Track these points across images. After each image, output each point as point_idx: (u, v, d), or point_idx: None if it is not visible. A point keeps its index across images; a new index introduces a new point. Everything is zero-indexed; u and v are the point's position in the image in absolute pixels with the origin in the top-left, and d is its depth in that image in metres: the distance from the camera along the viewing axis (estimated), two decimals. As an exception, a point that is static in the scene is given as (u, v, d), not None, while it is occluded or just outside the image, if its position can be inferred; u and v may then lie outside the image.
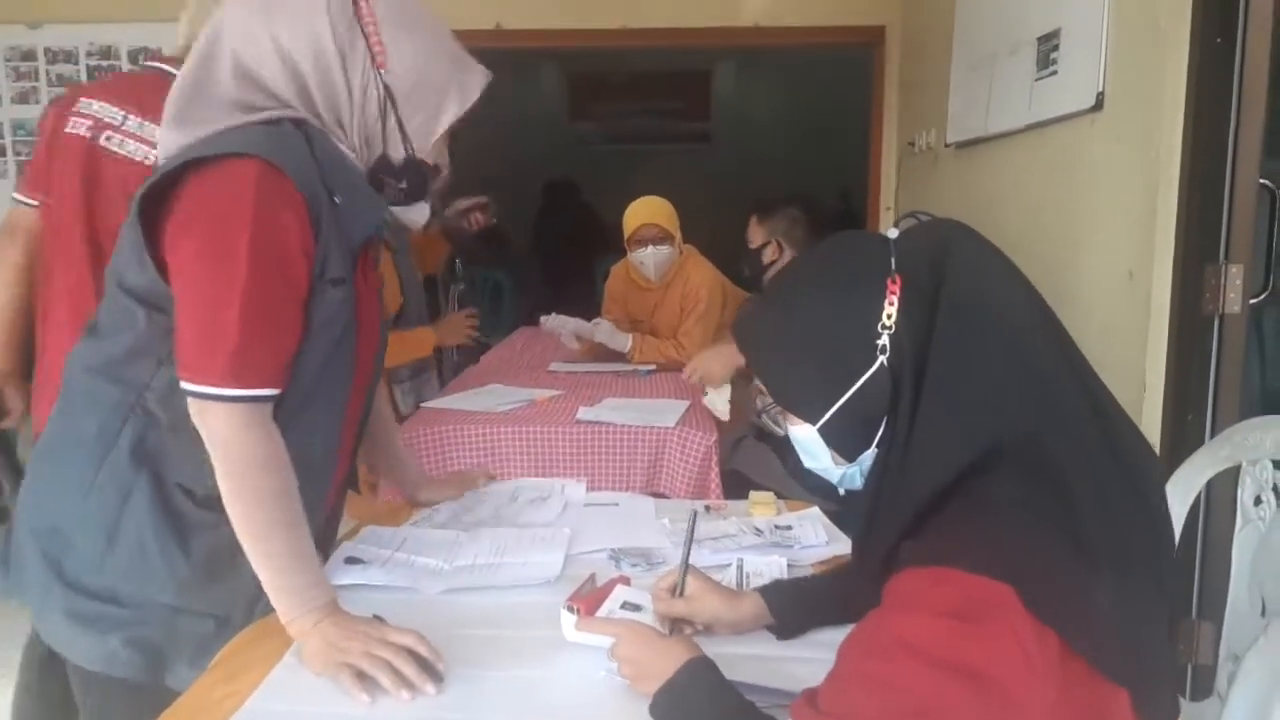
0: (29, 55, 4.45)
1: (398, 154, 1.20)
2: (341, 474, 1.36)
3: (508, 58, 6.20)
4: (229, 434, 1.09)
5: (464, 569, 1.38)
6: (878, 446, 0.92)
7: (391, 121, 1.17)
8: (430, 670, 1.07)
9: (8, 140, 4.51)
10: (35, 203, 1.98)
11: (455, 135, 1.26)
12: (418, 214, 1.28)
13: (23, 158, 4.52)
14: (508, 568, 1.38)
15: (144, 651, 1.18)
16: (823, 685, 0.83)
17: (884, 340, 0.88)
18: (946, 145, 3.62)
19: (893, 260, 0.89)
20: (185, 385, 1.09)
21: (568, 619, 1.15)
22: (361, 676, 1.05)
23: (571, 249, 7.57)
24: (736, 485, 2.31)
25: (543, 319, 3.34)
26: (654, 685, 0.97)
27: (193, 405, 1.10)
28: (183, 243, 1.09)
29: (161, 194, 1.11)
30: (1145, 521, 0.88)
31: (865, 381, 0.89)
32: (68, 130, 1.90)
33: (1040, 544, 0.80)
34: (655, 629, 1.08)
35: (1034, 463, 0.83)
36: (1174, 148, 2.06)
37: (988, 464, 0.83)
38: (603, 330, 3.21)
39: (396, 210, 1.25)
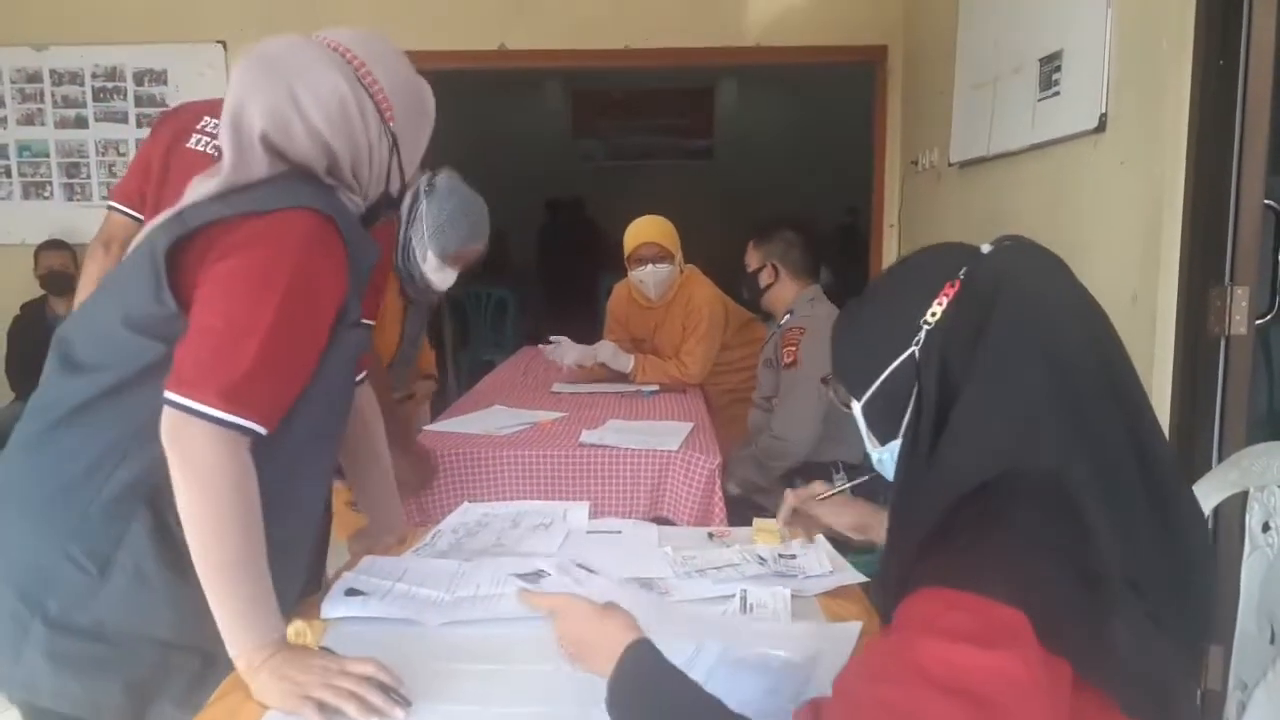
0: (34, 77, 4.47)
1: (395, 189, 1.31)
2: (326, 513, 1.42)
3: (511, 75, 6.24)
4: (211, 458, 1.08)
5: (465, 600, 1.37)
6: (902, 437, 0.95)
7: (394, 163, 1.28)
8: (395, 696, 1.06)
9: (13, 161, 4.53)
10: (140, 216, 1.91)
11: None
12: (446, 279, 1.37)
13: (29, 179, 4.54)
14: (509, 599, 1.36)
15: (130, 693, 1.17)
16: (831, 703, 0.83)
17: (921, 335, 0.92)
18: (950, 164, 3.62)
19: (964, 269, 0.92)
20: (174, 397, 1.08)
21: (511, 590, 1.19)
22: (323, 708, 1.04)
23: (575, 266, 7.58)
24: (739, 510, 2.30)
25: (543, 347, 3.33)
26: (596, 665, 0.99)
27: (174, 419, 1.08)
28: (223, 264, 1.12)
29: (201, 239, 1.14)
30: (1177, 560, 0.87)
31: (895, 369, 0.94)
32: (190, 146, 1.86)
33: (1054, 573, 0.80)
34: (592, 604, 1.06)
35: (1057, 493, 0.83)
36: (1177, 169, 2.05)
37: (1010, 488, 0.84)
38: (605, 352, 3.21)
39: (430, 274, 1.41)
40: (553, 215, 8.57)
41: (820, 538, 1.61)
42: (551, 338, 3.31)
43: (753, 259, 2.93)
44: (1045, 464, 0.84)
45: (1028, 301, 0.89)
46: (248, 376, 1.08)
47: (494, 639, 1.27)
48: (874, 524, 1.43)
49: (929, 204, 4.09)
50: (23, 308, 4.33)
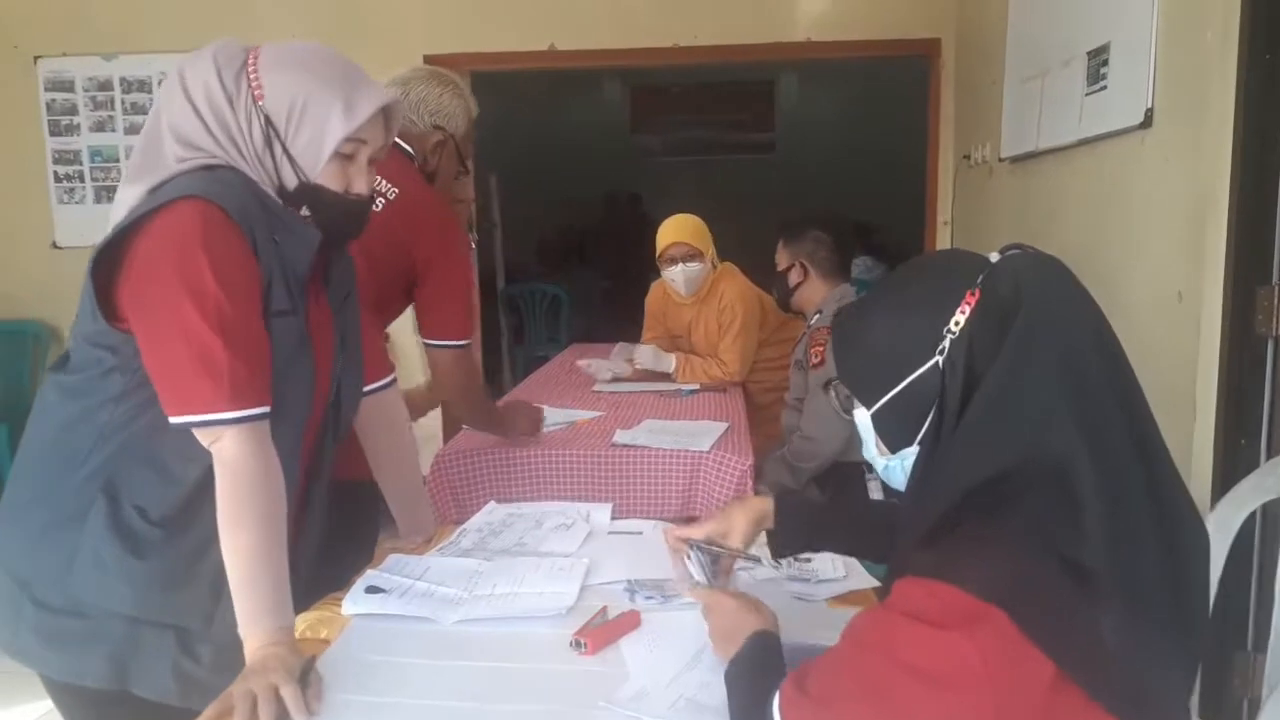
0: (105, 85, 4.64)
1: (291, 180, 1.28)
2: (300, 493, 1.40)
3: (568, 73, 6.28)
4: (238, 455, 1.17)
5: (482, 598, 1.40)
6: (919, 444, 0.97)
7: (278, 148, 1.26)
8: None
9: (86, 167, 4.72)
10: None
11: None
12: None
13: (100, 184, 4.73)
14: (523, 598, 1.39)
15: (109, 661, 1.25)
16: (816, 665, 0.94)
17: (946, 344, 0.92)
18: (1001, 159, 3.55)
19: (980, 278, 0.93)
20: (188, 419, 1.16)
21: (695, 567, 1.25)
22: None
23: (631, 262, 7.59)
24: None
25: (579, 362, 3.38)
26: (730, 651, 1.09)
27: (201, 435, 1.18)
28: (147, 289, 1.18)
29: (115, 253, 1.19)
30: (1173, 564, 0.88)
31: (917, 378, 0.94)
32: None
33: (1043, 571, 0.83)
34: (738, 598, 1.17)
35: (1060, 491, 0.85)
36: (1223, 165, 1.99)
37: (1014, 486, 0.86)
38: (645, 355, 3.22)
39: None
40: (609, 211, 8.58)
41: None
42: (579, 362, 3.37)
43: (781, 258, 2.92)
44: (1052, 460, 0.86)
45: (1048, 309, 0.90)
46: (231, 371, 1.15)
47: (507, 638, 1.30)
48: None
49: (981, 199, 4.02)
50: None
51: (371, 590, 1.42)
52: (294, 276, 1.28)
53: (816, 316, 2.83)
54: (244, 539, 1.17)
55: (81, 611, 1.25)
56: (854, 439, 2.64)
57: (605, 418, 2.68)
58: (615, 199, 8.48)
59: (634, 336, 3.72)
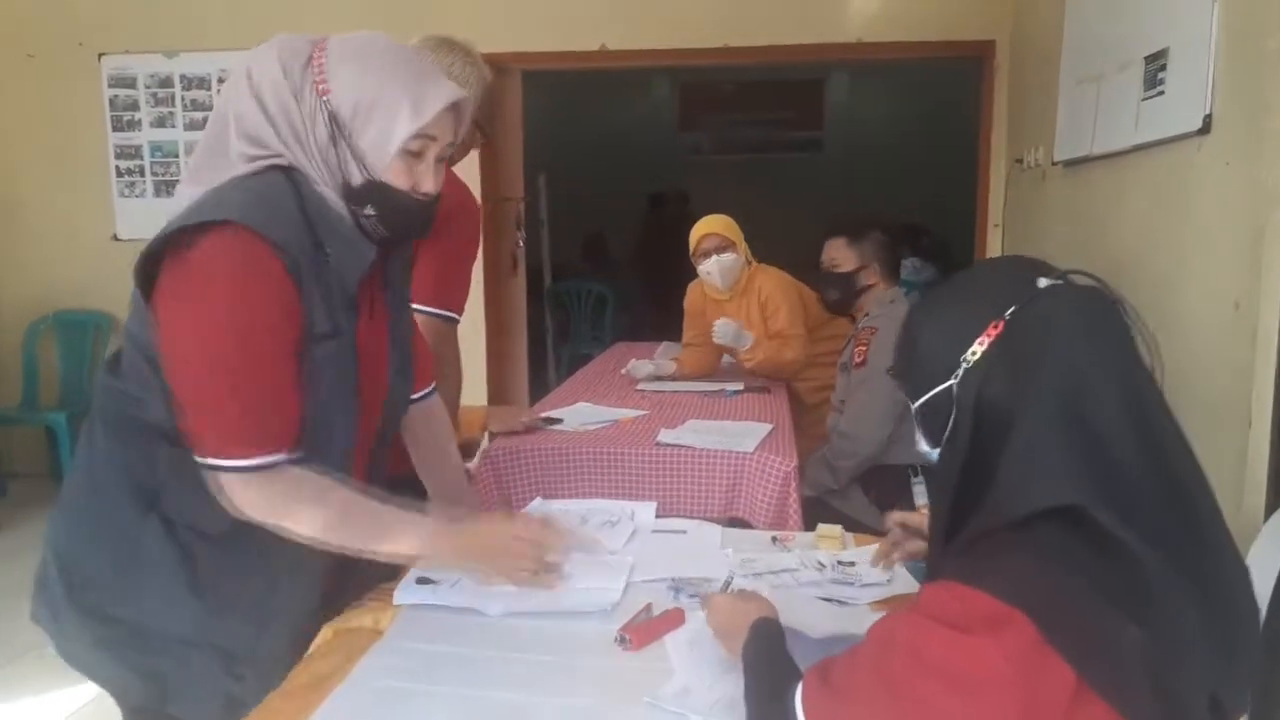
0: (166, 82, 4.77)
1: (356, 178, 1.21)
2: None
3: (616, 71, 6.30)
4: (250, 500, 1.16)
5: (528, 592, 1.42)
6: (940, 449, 1.02)
7: (343, 145, 1.20)
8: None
9: (147, 161, 4.85)
10: None
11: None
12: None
13: (160, 178, 4.85)
14: (569, 593, 1.41)
15: (152, 680, 1.25)
16: (839, 660, 0.95)
17: (960, 371, 0.97)
18: (1054, 163, 3.51)
19: (1011, 310, 0.95)
20: (200, 460, 1.15)
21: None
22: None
23: (676, 260, 7.58)
24: (817, 514, 2.30)
25: (622, 372, 3.39)
26: (735, 644, 1.12)
27: (209, 477, 1.15)
28: (166, 316, 1.15)
29: (156, 260, 1.16)
30: (1209, 590, 0.87)
31: (936, 394, 1.00)
32: None
33: (1069, 584, 0.84)
34: (738, 596, 1.24)
35: (1083, 524, 0.85)
36: (1284, 173, 1.95)
37: (1041, 517, 0.87)
38: (728, 332, 3.12)
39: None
40: (655, 209, 8.59)
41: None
42: (622, 372, 3.38)
43: (847, 258, 2.86)
44: (1075, 500, 0.85)
45: (1073, 357, 0.91)
46: (235, 418, 1.13)
47: (553, 631, 1.33)
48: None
49: (1033, 203, 3.97)
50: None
51: (422, 581, 1.45)
52: (342, 292, 1.23)
53: (865, 318, 2.81)
54: (336, 534, 1.19)
55: (127, 626, 1.24)
56: (893, 439, 2.63)
57: (649, 417, 2.69)
58: (661, 197, 8.48)
59: (678, 335, 3.74)
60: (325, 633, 1.33)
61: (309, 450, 1.20)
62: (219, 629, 1.25)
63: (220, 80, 4.68)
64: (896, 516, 1.45)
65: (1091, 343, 0.92)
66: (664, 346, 3.67)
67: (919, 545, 1.38)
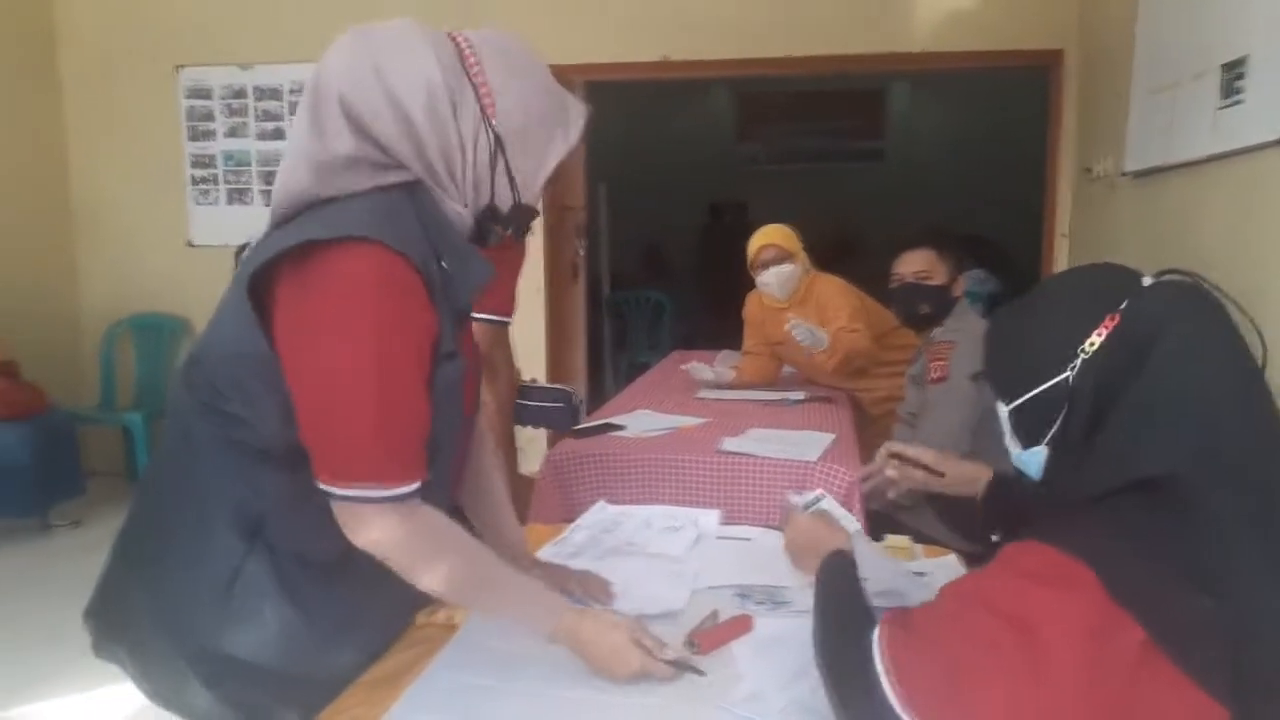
0: (240, 93, 4.91)
1: (505, 202, 1.13)
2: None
3: (675, 81, 6.33)
4: (390, 534, 1.06)
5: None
6: (1048, 445, 1.03)
7: (500, 169, 1.11)
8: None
9: (220, 170, 4.99)
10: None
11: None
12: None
13: (232, 186, 4.99)
14: (634, 598, 1.42)
15: (246, 712, 1.17)
16: (918, 611, 0.99)
17: (1078, 362, 0.98)
18: (1124, 174, 3.45)
19: (1124, 304, 0.97)
20: (327, 489, 1.04)
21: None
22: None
23: (734, 270, 7.58)
24: (881, 527, 2.28)
25: (683, 366, 3.40)
26: (807, 565, 1.22)
27: (338, 510, 1.06)
28: (299, 338, 1.04)
29: (278, 268, 1.05)
30: None
31: (1048, 387, 1.01)
32: None
33: (1143, 547, 0.87)
34: (819, 519, 1.39)
35: (1170, 497, 0.89)
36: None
37: (1136, 498, 0.91)
38: (806, 332, 3.08)
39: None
40: (713, 219, 8.60)
41: (952, 556, 1.60)
42: (683, 366, 3.39)
43: (940, 270, 2.77)
44: (1177, 486, 0.89)
45: (1183, 351, 0.93)
46: (380, 446, 1.03)
47: (619, 634, 1.33)
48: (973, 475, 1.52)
49: (1103, 214, 3.90)
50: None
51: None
52: (457, 309, 1.15)
53: (937, 330, 2.78)
54: (468, 585, 1.14)
55: (223, 659, 1.13)
56: (972, 456, 2.60)
57: (710, 424, 2.70)
58: (720, 207, 8.49)
59: (735, 343, 3.74)
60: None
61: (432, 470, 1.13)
62: (322, 661, 1.18)
63: (294, 92, 4.81)
64: (893, 447, 1.60)
65: (1201, 329, 0.95)
66: (723, 354, 3.67)
67: (917, 475, 1.57)
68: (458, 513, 1.45)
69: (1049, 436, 1.02)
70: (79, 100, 5.08)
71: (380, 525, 1.06)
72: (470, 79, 1.08)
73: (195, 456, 1.14)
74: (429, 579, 1.09)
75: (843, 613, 1.08)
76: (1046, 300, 1.07)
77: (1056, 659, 0.84)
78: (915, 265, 2.77)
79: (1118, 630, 0.83)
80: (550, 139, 1.13)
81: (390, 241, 1.01)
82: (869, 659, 0.95)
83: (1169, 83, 2.96)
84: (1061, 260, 4.48)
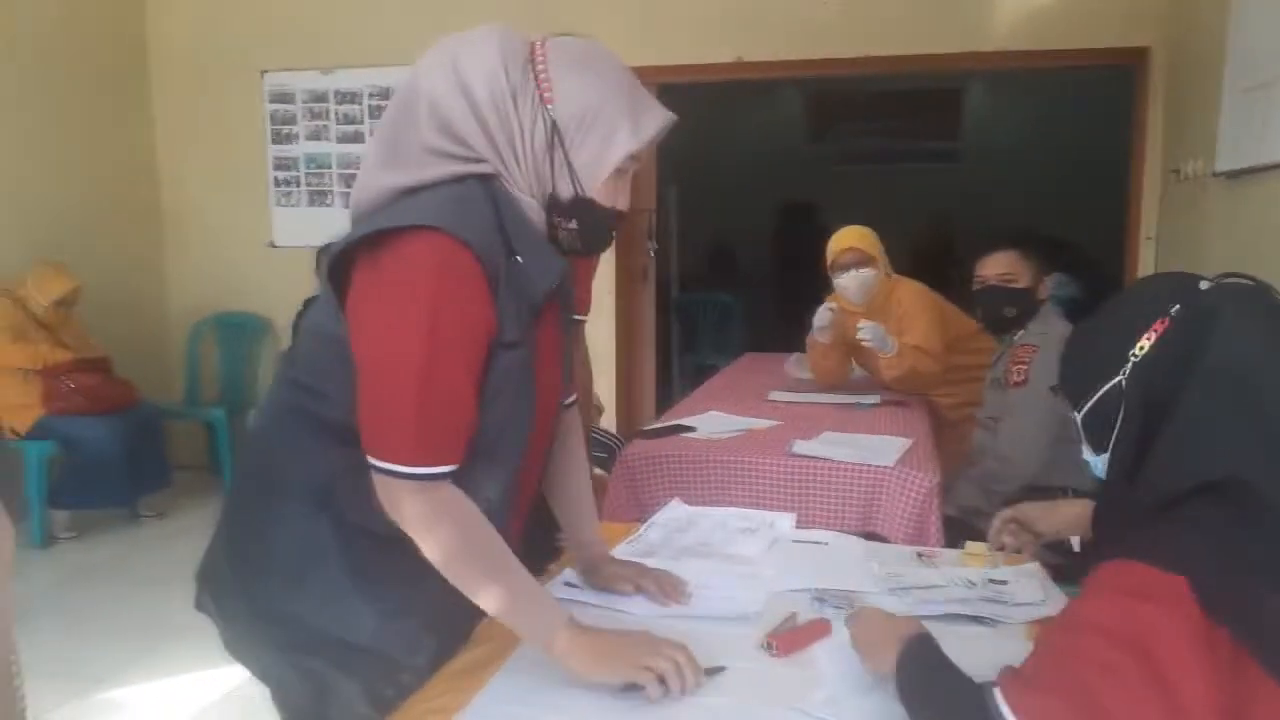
0: (321, 98, 5.04)
1: (566, 191, 1.18)
2: (518, 527, 1.36)
3: (746, 81, 6.31)
4: (414, 510, 1.13)
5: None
6: (1110, 451, 1.06)
7: (559, 156, 1.16)
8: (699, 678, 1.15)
9: (301, 172, 5.13)
10: None
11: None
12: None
13: (314, 188, 5.12)
14: (710, 599, 1.42)
15: (310, 679, 1.23)
16: (1029, 660, 0.99)
17: (1128, 366, 1.02)
18: (1215, 174, 3.34)
19: (1175, 308, 1.01)
20: (371, 460, 1.12)
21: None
22: (643, 674, 1.12)
23: (804, 272, 7.51)
24: (958, 533, 2.24)
25: (785, 365, 3.41)
26: (882, 659, 1.10)
27: (377, 482, 1.13)
28: (361, 318, 1.13)
29: (352, 258, 1.14)
30: None
31: (1105, 392, 1.05)
32: None
33: (1224, 551, 0.89)
34: (885, 612, 1.23)
35: (1242, 498, 0.91)
36: None
37: (1199, 493, 0.93)
38: (874, 333, 3.08)
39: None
40: (784, 221, 8.52)
41: (1034, 564, 1.57)
42: (785, 365, 3.41)
43: (1024, 273, 2.73)
44: (1239, 476, 0.91)
45: (1234, 348, 0.96)
46: (418, 429, 1.10)
47: (696, 633, 1.31)
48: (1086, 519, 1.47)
49: (1191, 216, 3.78)
50: (305, 303, 4.87)
51: (568, 583, 1.48)
52: (529, 303, 1.18)
53: (1020, 333, 2.72)
54: (476, 573, 1.15)
55: (292, 623, 1.22)
56: (1054, 463, 2.55)
57: (781, 427, 2.68)
58: (790, 208, 8.41)
59: (804, 346, 3.71)
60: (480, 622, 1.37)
61: (484, 463, 1.19)
62: (381, 633, 1.22)
63: (373, 96, 4.92)
64: (1008, 514, 1.57)
65: (1257, 328, 0.97)
66: (795, 357, 3.64)
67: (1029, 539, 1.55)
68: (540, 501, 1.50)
69: (1111, 442, 1.06)
70: (168, 108, 5.28)
71: (406, 501, 1.12)
72: (534, 71, 1.16)
73: (280, 427, 1.25)
74: (428, 548, 1.14)
75: (949, 688, 1.02)
76: (1107, 309, 1.11)
77: (1175, 676, 0.85)
78: (999, 267, 2.72)
79: (1211, 635, 0.85)
80: (613, 132, 1.16)
81: (453, 229, 1.09)
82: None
83: (1264, 80, 2.85)
84: (1147, 264, 4.35)
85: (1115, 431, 1.05)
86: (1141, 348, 1.02)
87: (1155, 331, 1.01)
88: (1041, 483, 2.53)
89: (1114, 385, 1.04)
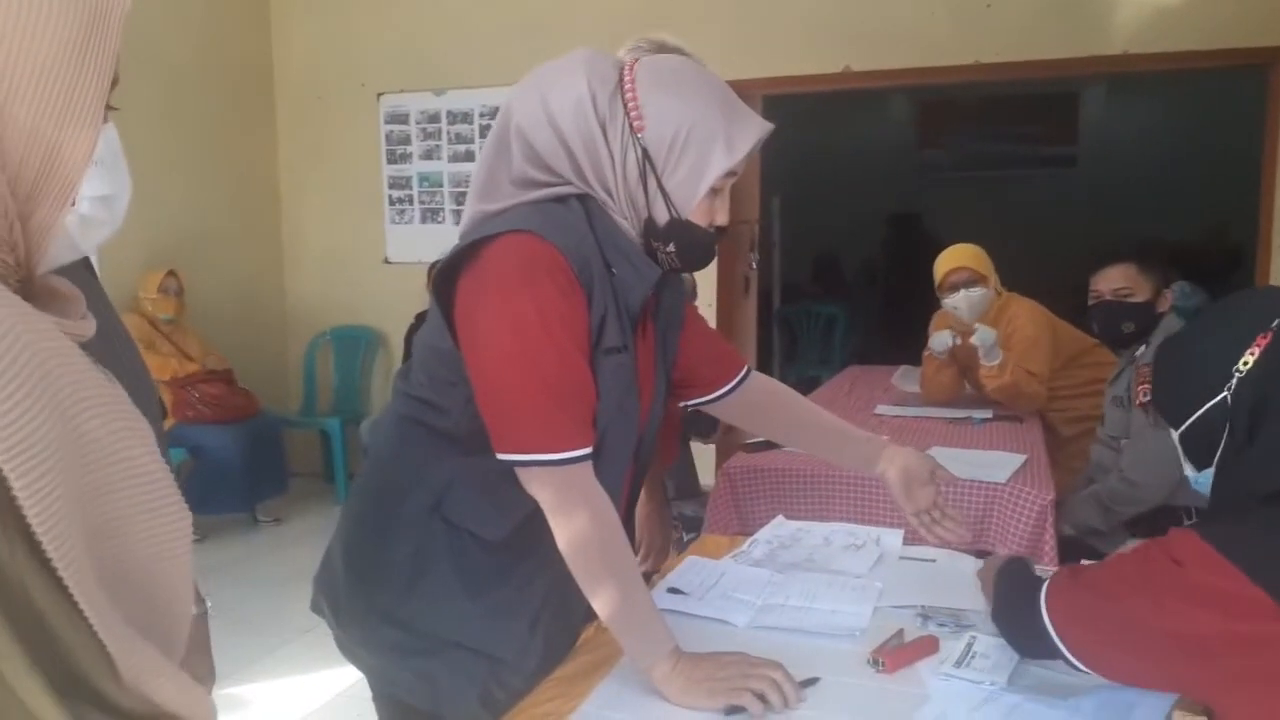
0: (434, 118, 5.20)
1: (662, 216, 1.18)
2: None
3: (855, 91, 6.23)
4: (553, 497, 1.14)
5: (774, 608, 1.44)
6: (1215, 467, 1.07)
7: (652, 183, 1.17)
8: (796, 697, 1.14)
9: (415, 191, 5.30)
10: None
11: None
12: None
13: (426, 206, 5.28)
14: (816, 613, 1.41)
15: (422, 680, 1.26)
16: (1092, 567, 1.09)
17: (1234, 382, 1.03)
18: (1357, 177, 3.14)
19: (1277, 321, 1.02)
20: (504, 457, 1.14)
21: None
22: (742, 695, 1.11)
23: (912, 284, 7.34)
24: (1073, 552, 2.17)
25: (898, 373, 3.35)
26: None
27: (520, 474, 1.16)
28: (471, 321, 1.16)
29: (451, 275, 1.18)
30: None
31: (1209, 409, 1.05)
32: None
33: None
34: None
35: None
36: None
37: None
38: (988, 338, 3.03)
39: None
40: (892, 231, 8.36)
41: None
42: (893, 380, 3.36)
43: (1143, 286, 2.61)
44: None
45: None
46: (546, 413, 1.12)
47: (800, 647, 1.32)
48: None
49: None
50: (417, 317, 5.02)
51: (673, 591, 1.49)
52: (627, 312, 1.21)
53: (1143, 349, 2.61)
54: (599, 571, 1.15)
55: (404, 625, 1.25)
56: (1180, 483, 2.45)
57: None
58: (898, 219, 8.26)
59: (911, 359, 3.64)
60: (588, 629, 1.39)
61: (602, 460, 1.19)
62: (490, 634, 1.25)
63: (484, 115, 5.05)
64: None
65: None
66: (903, 370, 3.57)
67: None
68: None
69: (1216, 458, 1.06)
70: (290, 130, 5.52)
71: (549, 488, 1.14)
72: (623, 99, 1.17)
73: (397, 439, 1.30)
74: (563, 540, 1.15)
75: (1018, 580, 1.20)
76: (1202, 327, 1.13)
77: (1192, 585, 0.93)
78: (1115, 282, 2.61)
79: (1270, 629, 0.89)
80: (707, 153, 1.16)
81: (541, 232, 1.13)
82: (1037, 591, 1.10)
83: None
84: (1277, 272, 4.12)
85: (1221, 448, 1.05)
86: (1245, 363, 1.02)
87: (1259, 346, 1.02)
88: (1166, 502, 2.42)
89: (1218, 402, 1.05)
